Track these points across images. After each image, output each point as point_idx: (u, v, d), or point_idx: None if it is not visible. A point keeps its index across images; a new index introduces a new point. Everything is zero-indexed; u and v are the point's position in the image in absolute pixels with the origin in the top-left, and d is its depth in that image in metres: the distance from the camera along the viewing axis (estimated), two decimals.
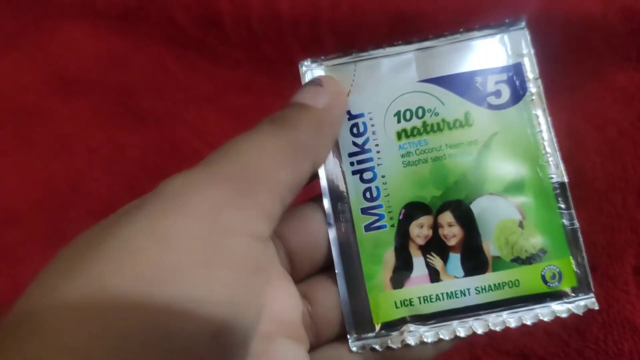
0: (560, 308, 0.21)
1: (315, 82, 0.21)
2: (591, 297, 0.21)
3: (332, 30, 0.43)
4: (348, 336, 0.22)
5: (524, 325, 0.21)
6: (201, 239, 0.16)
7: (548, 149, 0.22)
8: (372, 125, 0.22)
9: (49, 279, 0.16)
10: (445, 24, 0.40)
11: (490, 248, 0.22)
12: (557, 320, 0.30)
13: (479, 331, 0.21)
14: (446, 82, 0.22)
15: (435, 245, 0.22)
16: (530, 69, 0.22)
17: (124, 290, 0.15)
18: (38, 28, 0.50)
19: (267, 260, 0.18)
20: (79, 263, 0.15)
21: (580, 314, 0.21)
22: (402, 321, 0.22)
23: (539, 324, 0.30)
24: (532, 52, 0.23)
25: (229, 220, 0.16)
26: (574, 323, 0.29)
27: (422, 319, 0.22)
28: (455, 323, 0.21)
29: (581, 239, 0.22)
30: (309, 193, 0.23)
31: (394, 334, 0.21)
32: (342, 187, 0.22)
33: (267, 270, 0.19)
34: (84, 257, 0.15)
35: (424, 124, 0.22)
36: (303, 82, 0.23)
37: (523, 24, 0.23)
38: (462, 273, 0.22)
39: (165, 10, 0.47)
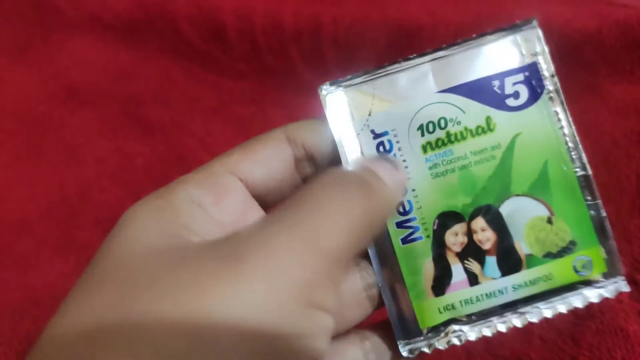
0: (591, 294, 0.23)
1: (391, 161, 0.22)
2: (623, 280, 0.22)
3: (334, 43, 0.44)
4: (398, 342, 0.23)
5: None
6: (291, 312, 0.16)
7: (570, 144, 0.23)
8: (397, 142, 0.23)
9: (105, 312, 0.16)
10: (444, 37, 0.41)
11: (523, 247, 0.23)
12: (553, 326, 0.31)
13: (518, 325, 0.22)
14: (464, 89, 0.23)
15: (472, 251, 0.23)
16: (546, 67, 0.23)
17: (220, 344, 0.15)
18: (47, 40, 0.52)
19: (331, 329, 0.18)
20: (164, 308, 0.15)
21: (612, 297, 0.22)
22: (446, 324, 0.23)
23: (535, 331, 0.31)
24: (546, 50, 0.23)
25: (317, 298, 0.17)
26: (569, 330, 0.30)
27: (465, 320, 0.23)
28: (495, 319, 0.23)
29: (609, 227, 0.23)
30: None
31: (440, 335, 0.23)
32: None
33: None
34: (167, 305, 0.15)
35: (448, 134, 0.23)
36: (324, 106, 0.23)
37: (535, 22, 0.23)
38: (499, 274, 0.23)
39: (171, 23, 0.48)
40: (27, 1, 0.53)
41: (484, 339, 0.23)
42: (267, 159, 0.22)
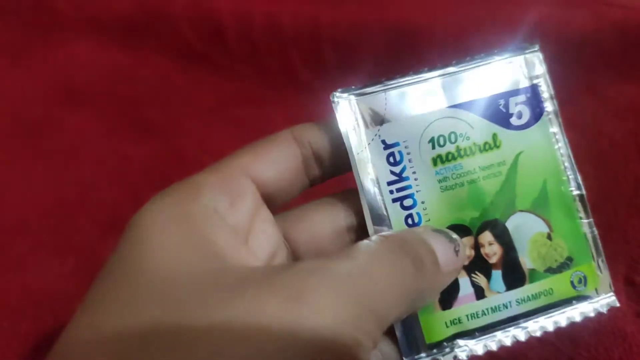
0: (587, 309, 0.23)
1: (455, 245, 0.22)
2: (611, 296, 0.24)
3: (333, 44, 0.44)
4: (403, 358, 0.23)
5: (559, 328, 0.23)
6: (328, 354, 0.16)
7: (567, 164, 0.24)
8: (408, 154, 0.23)
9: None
10: (443, 39, 0.41)
11: (526, 261, 0.23)
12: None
13: (522, 339, 0.23)
14: (473, 106, 0.23)
15: (478, 265, 0.23)
16: (546, 89, 0.24)
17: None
18: (45, 41, 0.52)
19: None
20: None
21: (605, 312, 0.23)
22: (452, 338, 0.23)
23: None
24: (547, 72, 0.24)
25: (350, 342, 0.17)
26: (566, 330, 0.30)
27: (470, 334, 0.23)
28: (499, 334, 0.23)
29: (600, 244, 0.24)
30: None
31: (446, 350, 0.23)
32: (384, 216, 0.23)
33: None
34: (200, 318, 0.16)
35: (458, 149, 0.23)
36: (336, 113, 0.23)
37: (537, 47, 0.24)
38: (504, 288, 0.23)
39: (170, 24, 0.48)
40: (26, 2, 0.53)
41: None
42: (278, 159, 0.22)
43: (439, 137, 0.23)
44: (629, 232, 0.33)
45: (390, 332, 0.23)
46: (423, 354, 0.23)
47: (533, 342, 0.30)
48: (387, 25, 0.42)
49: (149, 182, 0.42)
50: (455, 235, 0.22)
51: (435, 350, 0.23)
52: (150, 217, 0.18)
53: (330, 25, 0.44)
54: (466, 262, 0.23)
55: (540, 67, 0.24)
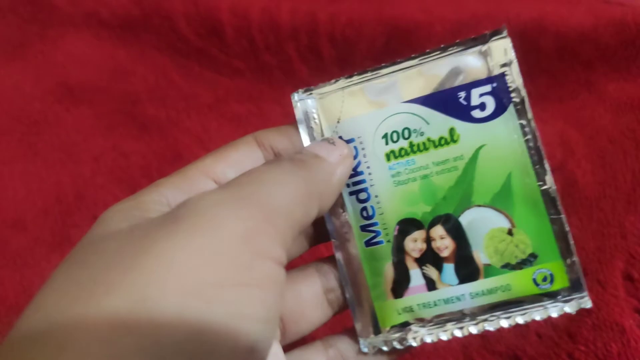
0: (552, 308, 0.22)
1: (329, 140, 0.23)
2: (584, 296, 0.22)
3: (331, 41, 0.44)
4: (359, 338, 0.24)
5: (517, 326, 0.23)
6: (237, 260, 0.16)
7: (535, 157, 0.22)
8: (363, 149, 0.23)
9: (70, 291, 0.16)
10: (440, 36, 0.41)
11: (481, 256, 0.23)
12: (549, 322, 0.31)
13: (474, 332, 0.23)
14: (429, 100, 0.23)
15: (430, 257, 0.23)
16: (515, 78, 0.22)
17: (166, 306, 0.15)
18: (43, 38, 0.52)
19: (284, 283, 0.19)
20: (114, 275, 0.15)
21: (573, 312, 0.22)
22: (405, 325, 0.24)
23: (531, 327, 0.31)
24: (515, 60, 0.22)
25: (260, 245, 0.17)
26: (565, 325, 0.30)
27: (423, 322, 0.23)
28: (451, 325, 0.23)
29: (572, 242, 0.22)
30: None
31: (398, 335, 0.24)
32: (342, 208, 0.24)
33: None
34: (118, 270, 0.16)
35: (411, 145, 0.23)
36: (296, 113, 0.24)
37: (505, 32, 0.22)
38: (456, 281, 0.23)
39: (168, 20, 0.48)
40: None
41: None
42: (239, 160, 0.22)
43: (392, 133, 0.23)
44: (627, 227, 0.33)
45: (346, 329, 0.24)
46: (377, 337, 0.24)
47: (532, 338, 0.31)
48: (385, 21, 0.42)
49: (146, 178, 0.42)
50: (327, 137, 0.23)
51: (388, 334, 0.24)
52: (104, 213, 0.19)
53: (328, 21, 0.44)
54: (417, 255, 0.23)
55: (507, 55, 0.22)
